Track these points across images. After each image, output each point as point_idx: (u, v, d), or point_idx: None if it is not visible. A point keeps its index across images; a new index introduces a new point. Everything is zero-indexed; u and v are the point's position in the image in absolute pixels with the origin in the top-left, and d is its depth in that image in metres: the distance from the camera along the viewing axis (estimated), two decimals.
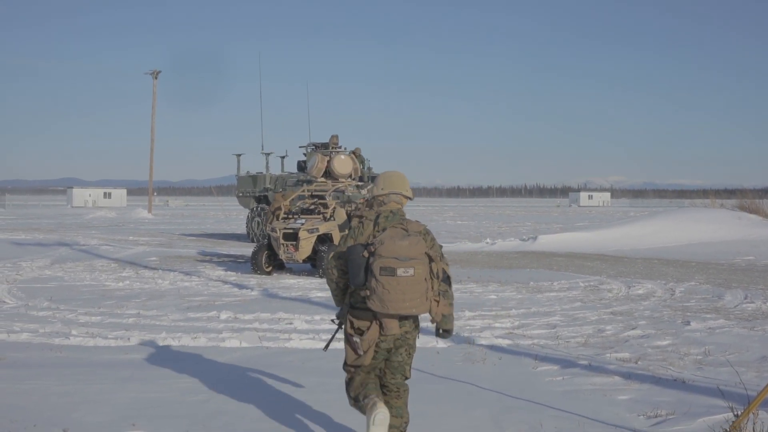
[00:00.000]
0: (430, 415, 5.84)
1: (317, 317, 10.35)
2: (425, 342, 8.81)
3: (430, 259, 4.70)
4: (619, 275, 16.01)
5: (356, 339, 4.77)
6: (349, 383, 4.96)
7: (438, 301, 4.80)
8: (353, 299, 4.82)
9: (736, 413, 4.91)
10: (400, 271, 4.56)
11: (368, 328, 4.74)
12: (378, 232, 4.77)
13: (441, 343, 8.74)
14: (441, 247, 4.94)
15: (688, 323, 10.01)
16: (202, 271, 16.60)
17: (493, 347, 8.56)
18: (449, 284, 4.90)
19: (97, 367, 7.47)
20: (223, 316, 10.54)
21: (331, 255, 4.87)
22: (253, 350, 8.45)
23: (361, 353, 4.78)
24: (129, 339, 8.89)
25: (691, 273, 16.55)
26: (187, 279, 15.02)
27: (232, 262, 18.87)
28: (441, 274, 4.79)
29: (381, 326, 4.73)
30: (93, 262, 18.68)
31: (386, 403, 4.89)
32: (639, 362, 7.78)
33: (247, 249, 22.60)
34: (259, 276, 15.80)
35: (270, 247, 16.27)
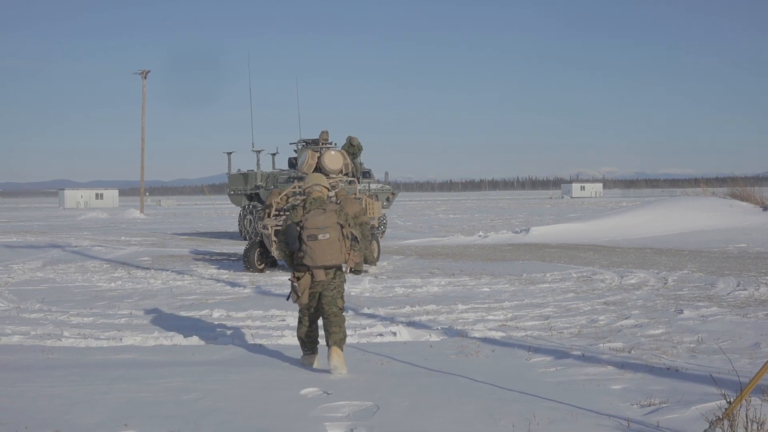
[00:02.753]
0: (424, 409, 5.83)
1: None
2: (418, 336, 8.82)
3: (341, 227, 7.03)
4: (611, 265, 16.03)
5: (296, 284, 7.08)
6: (299, 325, 7.34)
7: (350, 254, 7.12)
8: (296, 261, 7.11)
9: (729, 400, 4.90)
10: (320, 236, 6.92)
11: (302, 277, 7.05)
12: (306, 213, 7.06)
13: (434, 337, 8.75)
14: (356, 216, 7.62)
15: (680, 312, 10.02)
16: (194, 269, 16.56)
17: (486, 340, 8.56)
18: (357, 241, 7.19)
19: (90, 368, 7.43)
20: (216, 314, 10.51)
21: (277, 233, 7.17)
22: (246, 348, 8.43)
23: (299, 294, 7.06)
24: (121, 339, 8.86)
25: (684, 261, 16.57)
26: (180, 278, 14.98)
27: (225, 261, 18.83)
28: (350, 236, 7.11)
29: (312, 276, 7.01)
30: (85, 263, 18.62)
31: (328, 322, 7.06)
32: (632, 351, 7.78)
33: (240, 247, 22.54)
34: (251, 274, 15.77)
35: (262, 245, 16.24)
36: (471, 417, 5.64)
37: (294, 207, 7.28)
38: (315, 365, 7.26)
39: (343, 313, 7.21)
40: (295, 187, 16.43)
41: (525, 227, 27.12)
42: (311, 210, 7.07)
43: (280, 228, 16.06)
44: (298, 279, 7.07)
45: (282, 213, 16.24)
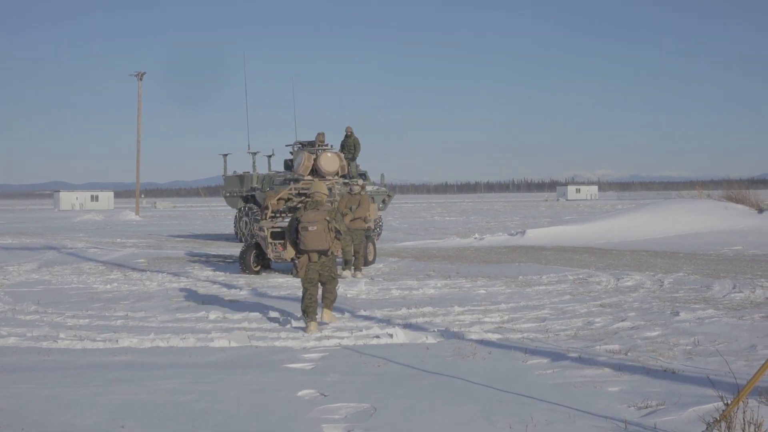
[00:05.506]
0: (421, 411, 5.83)
1: None
2: (415, 338, 8.81)
3: (328, 222, 9.33)
4: (607, 268, 16.04)
5: (296, 261, 9.58)
6: (303, 297, 9.42)
7: (333, 243, 9.42)
8: (296, 246, 9.50)
9: (726, 402, 4.91)
10: (310, 228, 9.30)
11: (302, 257, 9.48)
12: (305, 211, 9.46)
13: (430, 339, 8.74)
14: (341, 217, 9.89)
15: (677, 314, 10.03)
16: (190, 271, 16.53)
17: (482, 342, 8.55)
18: (341, 233, 9.53)
19: (85, 369, 7.42)
20: (212, 316, 10.49)
21: (287, 226, 9.90)
22: (242, 349, 8.42)
23: (299, 270, 9.47)
24: (117, 341, 8.84)
25: (680, 264, 16.59)
26: (176, 280, 14.95)
27: (221, 263, 18.80)
28: (334, 230, 9.41)
29: (309, 258, 9.45)
30: (80, 264, 18.58)
31: (325, 288, 9.67)
32: (629, 354, 7.78)
33: (236, 249, 22.53)
34: (247, 275, 15.75)
35: (258, 247, 16.22)
36: (468, 419, 5.64)
37: (298, 207, 9.69)
38: (313, 329, 9.15)
39: (338, 280, 9.87)
40: (291, 190, 16.43)
41: (521, 230, 27.11)
42: (309, 209, 9.48)
43: (277, 229, 16.22)
44: (299, 259, 9.52)
45: (278, 215, 16.25)
